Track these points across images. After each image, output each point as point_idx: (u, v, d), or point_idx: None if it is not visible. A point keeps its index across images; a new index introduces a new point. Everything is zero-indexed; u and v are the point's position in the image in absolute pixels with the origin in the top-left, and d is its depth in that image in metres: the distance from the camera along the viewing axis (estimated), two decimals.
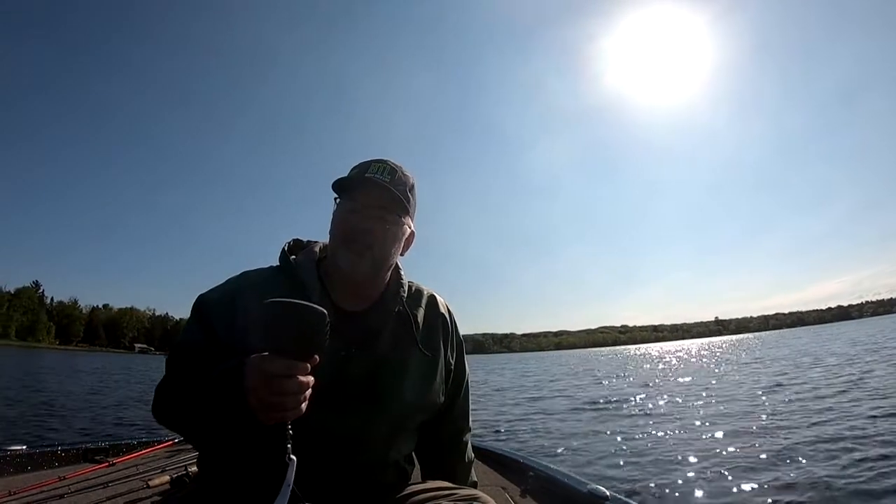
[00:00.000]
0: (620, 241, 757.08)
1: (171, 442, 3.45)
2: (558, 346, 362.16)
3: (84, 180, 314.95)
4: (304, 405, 1.03)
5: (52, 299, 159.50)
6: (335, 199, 1.43)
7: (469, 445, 1.74)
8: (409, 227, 1.49)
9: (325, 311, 1.01)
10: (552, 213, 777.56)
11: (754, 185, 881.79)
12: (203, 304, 1.40)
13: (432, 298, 1.64)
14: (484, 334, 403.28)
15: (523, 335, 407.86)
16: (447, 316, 1.64)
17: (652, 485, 5.56)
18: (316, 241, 1.57)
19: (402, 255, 1.53)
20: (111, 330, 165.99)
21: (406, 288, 1.54)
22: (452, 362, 1.62)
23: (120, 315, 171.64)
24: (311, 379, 1.03)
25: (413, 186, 1.49)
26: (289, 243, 1.54)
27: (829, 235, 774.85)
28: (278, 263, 1.49)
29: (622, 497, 2.19)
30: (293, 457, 1.03)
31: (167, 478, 2.69)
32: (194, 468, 2.73)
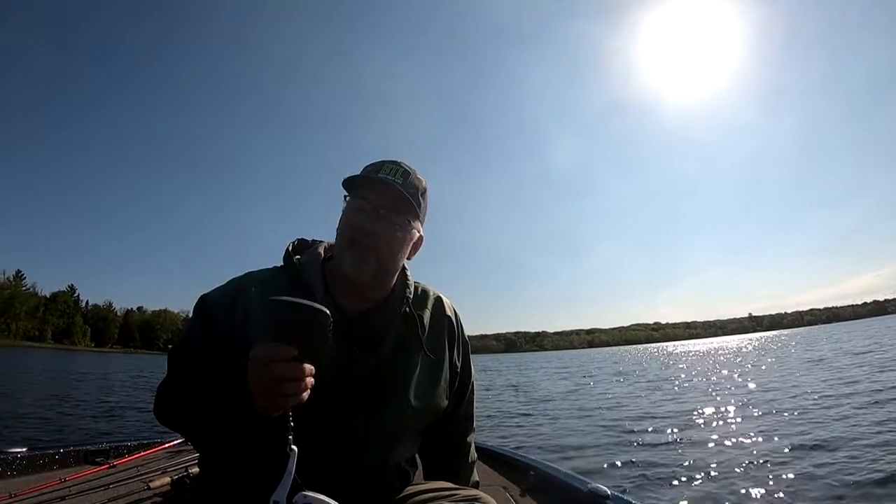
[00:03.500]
0: (652, 237, 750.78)
1: (171, 443, 3.47)
2: (590, 344, 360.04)
3: (117, 184, 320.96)
4: (304, 394, 1.03)
5: (87, 302, 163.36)
6: (344, 196, 1.41)
7: (473, 446, 1.72)
8: (418, 232, 1.47)
9: (328, 312, 1.01)
10: (585, 211, 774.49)
11: (785, 178, 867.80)
12: (205, 304, 1.39)
13: (438, 300, 1.62)
14: (516, 333, 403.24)
15: (555, 333, 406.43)
16: (453, 318, 1.63)
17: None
18: (321, 241, 1.55)
19: (409, 259, 1.52)
20: (145, 332, 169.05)
21: (412, 289, 1.52)
22: (458, 364, 1.61)
23: (154, 317, 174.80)
24: (311, 368, 1.03)
25: (425, 191, 1.47)
26: (293, 243, 1.53)
27: (861, 229, 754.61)
28: (282, 263, 1.48)
29: (623, 496, 2.15)
30: (294, 447, 1.03)
31: (168, 479, 2.69)
32: (195, 469, 2.74)
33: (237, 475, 1.26)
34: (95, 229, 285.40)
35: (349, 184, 1.39)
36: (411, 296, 1.50)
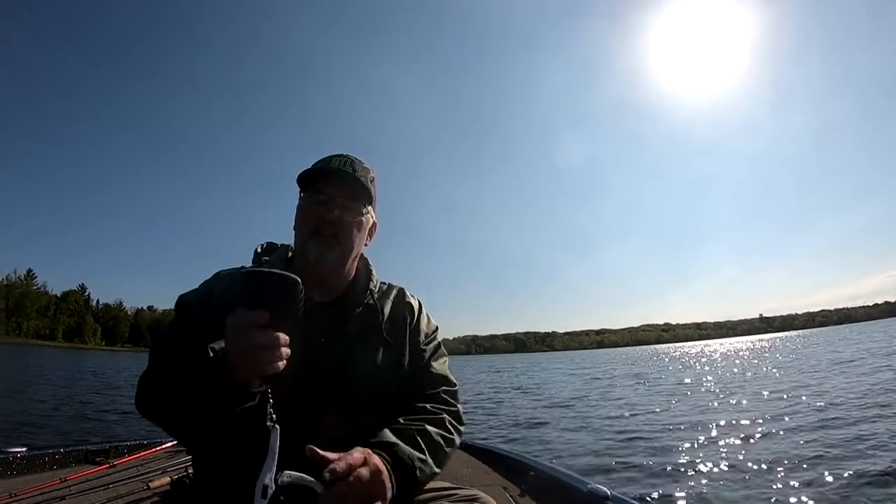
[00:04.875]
0: (662, 238, 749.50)
1: (172, 443, 3.47)
2: (600, 345, 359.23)
3: (128, 183, 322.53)
4: (280, 363, 1.07)
5: (97, 301, 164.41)
6: (300, 193, 1.50)
7: (439, 403, 1.54)
8: (373, 218, 1.58)
9: (298, 279, 1.06)
10: (595, 212, 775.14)
11: (796, 178, 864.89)
12: (183, 303, 1.46)
13: (401, 292, 1.70)
14: (526, 333, 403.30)
15: (565, 333, 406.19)
16: (414, 305, 1.68)
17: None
18: (288, 245, 1.61)
19: (366, 245, 1.62)
20: (156, 331, 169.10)
21: (377, 283, 1.63)
22: (420, 341, 1.63)
23: (164, 316, 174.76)
24: (286, 338, 1.07)
25: (374, 179, 1.57)
26: (262, 245, 1.61)
27: (873, 229, 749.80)
28: (251, 265, 1.55)
29: (623, 496, 2.16)
30: (276, 425, 1.07)
31: (168, 479, 2.70)
32: None
33: (230, 473, 1.25)
34: (106, 229, 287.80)
35: (303, 179, 1.48)
36: (375, 288, 1.60)
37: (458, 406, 1.59)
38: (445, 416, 1.51)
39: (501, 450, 3.30)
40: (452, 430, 1.50)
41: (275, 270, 1.06)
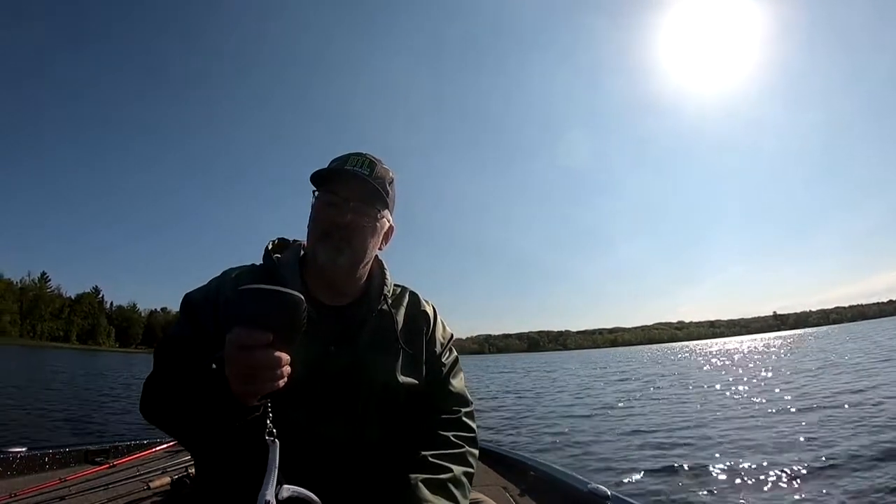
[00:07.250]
0: (674, 236, 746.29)
1: (171, 443, 3.47)
2: (613, 344, 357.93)
3: (142, 186, 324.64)
4: (280, 382, 1.02)
5: (111, 304, 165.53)
6: (313, 192, 1.43)
7: (460, 429, 1.52)
8: (389, 221, 1.51)
9: (302, 297, 1.00)
10: (607, 210, 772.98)
11: (808, 175, 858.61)
12: (189, 302, 1.42)
13: (414, 297, 1.63)
14: (539, 332, 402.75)
15: (578, 332, 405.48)
16: (430, 313, 1.63)
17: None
18: (300, 241, 1.57)
19: (380, 249, 1.54)
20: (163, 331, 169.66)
21: (391, 288, 1.56)
22: (437, 353, 1.60)
23: (177, 318, 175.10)
24: (287, 357, 1.02)
25: (392, 181, 1.50)
26: (273, 241, 1.56)
27: (885, 226, 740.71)
28: (262, 262, 1.51)
29: (623, 496, 2.14)
30: (276, 440, 1.04)
31: (168, 479, 2.71)
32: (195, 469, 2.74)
33: (230, 474, 1.24)
34: (119, 231, 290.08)
35: (317, 179, 1.42)
36: (389, 293, 1.54)
37: (476, 430, 1.56)
38: (467, 448, 1.47)
39: (501, 449, 3.28)
40: (473, 463, 1.47)
41: (277, 288, 1.00)
